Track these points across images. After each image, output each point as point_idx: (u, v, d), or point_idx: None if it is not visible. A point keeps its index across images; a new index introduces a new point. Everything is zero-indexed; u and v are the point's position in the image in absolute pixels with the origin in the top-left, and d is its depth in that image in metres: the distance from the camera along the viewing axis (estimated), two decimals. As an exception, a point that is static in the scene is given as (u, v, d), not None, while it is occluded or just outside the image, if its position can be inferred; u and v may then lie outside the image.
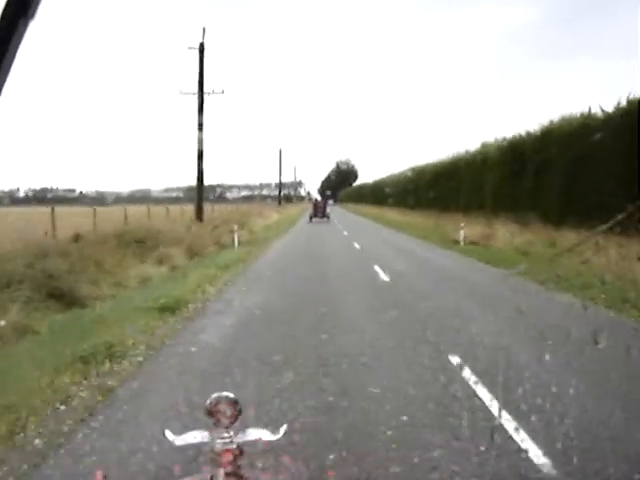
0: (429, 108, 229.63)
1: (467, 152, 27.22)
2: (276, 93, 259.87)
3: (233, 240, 18.28)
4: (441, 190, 29.37)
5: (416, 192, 35.48)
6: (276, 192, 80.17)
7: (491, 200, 21.44)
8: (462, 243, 17.75)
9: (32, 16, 0.83)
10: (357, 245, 18.88)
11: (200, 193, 22.38)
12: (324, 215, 37.52)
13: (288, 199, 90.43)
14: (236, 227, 19.26)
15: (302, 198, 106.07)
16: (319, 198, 46.59)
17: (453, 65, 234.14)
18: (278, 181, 74.04)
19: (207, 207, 24.85)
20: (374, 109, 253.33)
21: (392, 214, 38.21)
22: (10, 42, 0.79)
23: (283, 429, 1.23)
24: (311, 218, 37.54)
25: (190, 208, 23.95)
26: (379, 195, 52.68)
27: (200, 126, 21.48)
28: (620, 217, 1.56)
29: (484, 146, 24.67)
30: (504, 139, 22.02)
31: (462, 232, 18.06)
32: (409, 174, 41.77)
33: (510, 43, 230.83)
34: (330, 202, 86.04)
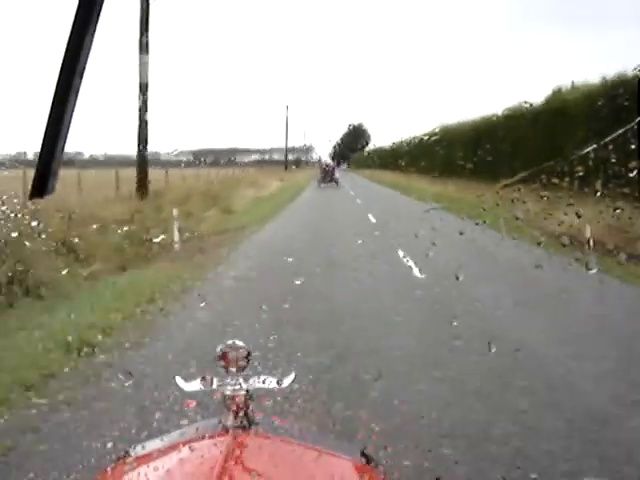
0: (443, 70, 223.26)
1: (526, 104, 21.74)
2: (289, 55, 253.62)
3: (169, 241, 10.26)
4: (487, 154, 25.77)
5: (448, 157, 29.43)
6: (292, 156, 78.33)
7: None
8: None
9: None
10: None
11: (142, 155, 14.34)
12: (332, 179, 37.11)
13: (298, 164, 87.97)
14: (176, 213, 10.87)
15: (312, 163, 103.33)
16: (330, 162, 43.26)
17: (470, 23, 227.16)
18: (295, 144, 72.09)
19: (176, 174, 20.47)
20: (387, 71, 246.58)
21: (418, 184, 31.31)
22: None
23: (291, 377, 1.31)
24: (319, 183, 37.30)
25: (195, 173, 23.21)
26: (398, 160, 46.00)
27: (145, 46, 13.92)
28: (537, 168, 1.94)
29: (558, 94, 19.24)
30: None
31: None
32: (437, 135, 37.58)
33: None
34: (342, 167, 78.97)
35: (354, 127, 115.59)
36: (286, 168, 60.17)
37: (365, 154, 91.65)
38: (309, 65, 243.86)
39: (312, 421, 1.81)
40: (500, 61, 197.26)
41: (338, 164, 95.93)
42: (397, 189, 30.31)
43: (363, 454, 1.30)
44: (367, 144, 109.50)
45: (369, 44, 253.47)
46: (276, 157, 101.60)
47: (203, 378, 1.29)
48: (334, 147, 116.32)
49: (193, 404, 1.42)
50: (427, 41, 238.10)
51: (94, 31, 0.88)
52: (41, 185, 0.97)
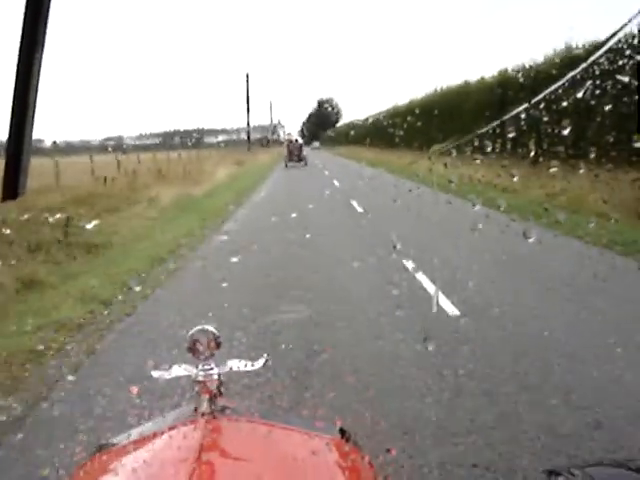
0: (415, 42, 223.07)
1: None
2: (254, 29, 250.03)
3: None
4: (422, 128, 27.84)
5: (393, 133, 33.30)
6: (255, 135, 76.65)
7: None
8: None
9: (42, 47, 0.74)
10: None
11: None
12: (300, 159, 35.84)
13: (266, 143, 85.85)
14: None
15: (281, 142, 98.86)
16: (299, 140, 40.49)
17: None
18: (254, 123, 69.16)
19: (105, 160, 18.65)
20: (356, 45, 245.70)
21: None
22: (31, 75, 0.91)
23: (262, 360, 1.36)
24: (286, 164, 35.88)
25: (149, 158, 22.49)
26: (376, 134, 44.21)
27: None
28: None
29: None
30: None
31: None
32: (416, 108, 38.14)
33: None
34: (316, 144, 78.48)
35: (324, 102, 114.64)
36: (249, 149, 54.25)
37: (335, 133, 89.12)
38: (276, 40, 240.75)
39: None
40: (471, 33, 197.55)
41: (310, 142, 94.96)
42: (364, 162, 32.02)
43: (341, 431, 1.32)
44: (338, 120, 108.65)
45: (338, 17, 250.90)
46: (244, 137, 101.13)
47: (175, 367, 1.33)
48: (304, 124, 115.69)
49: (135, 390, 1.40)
50: (397, 10, 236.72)
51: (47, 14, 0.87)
52: (14, 186, 0.89)
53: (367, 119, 54.88)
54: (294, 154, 36.20)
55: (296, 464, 1.12)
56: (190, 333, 1.31)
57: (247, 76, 60.34)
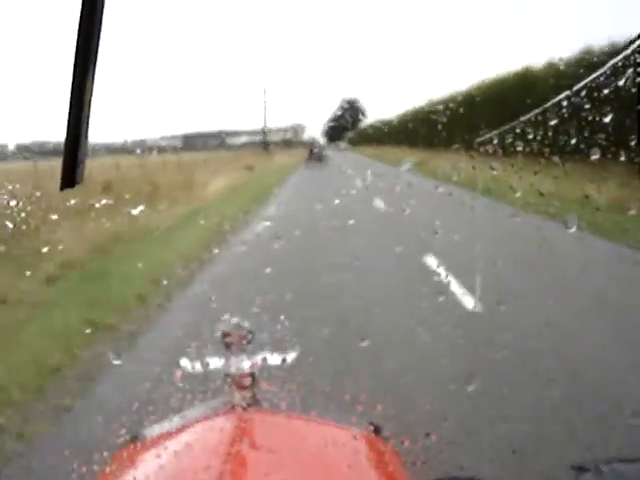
0: (437, 39, 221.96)
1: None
2: (276, 30, 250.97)
3: None
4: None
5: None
6: (278, 136, 76.67)
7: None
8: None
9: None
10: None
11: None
12: (320, 159, 39.67)
13: (289, 144, 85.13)
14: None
15: (305, 144, 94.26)
16: (320, 141, 46.16)
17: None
18: (277, 124, 69.29)
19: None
20: (381, 42, 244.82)
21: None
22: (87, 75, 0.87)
23: (294, 354, 1.41)
24: (307, 163, 39.08)
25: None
26: (408, 133, 39.09)
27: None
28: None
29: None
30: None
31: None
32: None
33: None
34: (342, 145, 74.79)
35: (348, 102, 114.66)
36: (266, 149, 52.49)
37: (363, 130, 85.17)
38: (299, 38, 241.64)
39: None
40: (496, 32, 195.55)
41: (334, 142, 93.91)
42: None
43: (372, 426, 1.34)
44: (362, 120, 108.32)
45: (359, 18, 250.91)
46: (268, 138, 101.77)
47: (207, 359, 1.38)
48: (328, 124, 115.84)
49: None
50: (419, 9, 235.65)
51: (102, 11, 0.90)
52: (70, 175, 1.03)
53: (395, 118, 52.32)
54: (314, 154, 40.45)
55: (327, 458, 1.15)
56: (222, 326, 1.35)
57: (264, 92, 65.38)
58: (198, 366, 1.40)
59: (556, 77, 17.89)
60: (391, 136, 48.26)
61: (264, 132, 59.28)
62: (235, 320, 1.37)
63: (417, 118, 37.76)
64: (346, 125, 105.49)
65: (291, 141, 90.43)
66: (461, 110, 26.28)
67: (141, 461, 1.21)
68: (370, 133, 70.52)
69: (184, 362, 1.42)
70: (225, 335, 1.35)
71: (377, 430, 1.34)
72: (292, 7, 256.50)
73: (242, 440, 1.12)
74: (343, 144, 78.31)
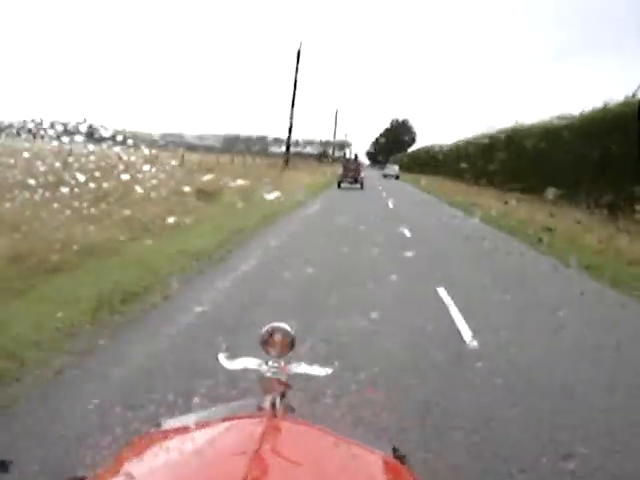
0: (484, 77, 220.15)
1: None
2: (334, 40, 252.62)
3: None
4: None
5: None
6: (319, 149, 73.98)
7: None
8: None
9: None
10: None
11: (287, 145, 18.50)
12: (356, 180, 33.39)
13: (323, 157, 77.45)
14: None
15: (337, 159, 76.71)
16: (358, 158, 37.65)
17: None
18: (320, 137, 65.01)
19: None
20: (434, 69, 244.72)
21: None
22: None
23: (332, 368, 1.47)
24: (339, 184, 33.30)
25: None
26: (474, 163, 32.62)
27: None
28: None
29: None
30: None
31: None
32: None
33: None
34: (392, 169, 58.53)
35: (398, 122, 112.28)
36: (287, 162, 41.69)
37: (412, 155, 79.11)
38: (350, 54, 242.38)
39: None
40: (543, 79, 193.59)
41: (379, 163, 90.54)
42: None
43: (394, 450, 1.37)
44: (413, 143, 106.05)
45: (418, 42, 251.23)
46: (309, 149, 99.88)
47: (245, 358, 1.44)
48: (373, 144, 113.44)
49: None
50: (474, 48, 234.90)
51: None
52: None
53: (458, 143, 44.62)
54: (349, 173, 33.92)
55: (345, 477, 1.18)
56: (266, 328, 1.40)
57: (336, 113, 62.13)
58: (235, 364, 1.45)
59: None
60: (448, 165, 43.01)
61: (288, 141, 45.18)
62: (281, 324, 1.41)
63: (488, 146, 31.12)
64: (393, 146, 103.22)
65: (327, 155, 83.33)
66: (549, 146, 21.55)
67: (163, 448, 1.21)
68: (422, 157, 64.28)
69: (222, 357, 1.47)
70: (267, 338, 1.40)
71: (399, 456, 1.37)
72: (352, 23, 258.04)
73: (267, 446, 1.14)
74: (393, 168, 60.04)
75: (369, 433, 1.53)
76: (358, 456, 1.26)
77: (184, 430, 1.25)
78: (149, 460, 1.18)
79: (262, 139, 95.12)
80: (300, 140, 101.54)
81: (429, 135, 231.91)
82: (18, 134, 11.86)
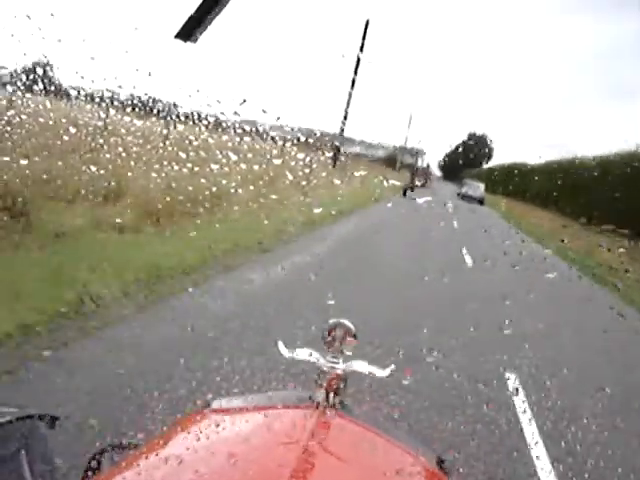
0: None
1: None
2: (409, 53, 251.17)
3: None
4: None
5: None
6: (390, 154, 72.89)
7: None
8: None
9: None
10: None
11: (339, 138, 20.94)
12: (424, 187, 34.00)
13: (391, 164, 74.75)
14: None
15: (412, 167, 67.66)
16: (430, 167, 38.79)
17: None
18: (398, 144, 63.05)
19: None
20: (518, 81, 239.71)
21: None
22: None
23: (391, 368, 1.48)
24: (405, 192, 30.27)
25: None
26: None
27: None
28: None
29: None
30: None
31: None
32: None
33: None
34: (477, 190, 39.88)
35: (475, 136, 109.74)
36: (335, 164, 31.78)
37: (491, 172, 67.23)
38: (431, 67, 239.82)
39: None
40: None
41: (456, 178, 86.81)
42: None
43: (440, 460, 1.39)
44: (489, 159, 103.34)
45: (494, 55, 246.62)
46: (380, 153, 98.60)
47: (305, 349, 1.47)
48: (445, 155, 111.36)
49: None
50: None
51: None
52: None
53: (539, 165, 40.21)
54: (418, 183, 33.94)
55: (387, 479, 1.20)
56: (329, 323, 1.47)
57: (410, 117, 59.75)
58: (293, 353, 1.47)
59: None
60: (530, 189, 37.77)
61: (341, 138, 40.33)
62: (345, 321, 1.46)
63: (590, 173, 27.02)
64: (467, 161, 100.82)
65: (417, 168, 76.72)
66: None
67: (204, 431, 1.21)
68: (497, 178, 57.13)
69: (281, 346, 1.49)
70: (330, 332, 1.46)
71: (443, 466, 1.39)
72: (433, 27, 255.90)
73: (316, 439, 1.16)
74: (476, 187, 41.51)
75: (418, 438, 1.53)
76: (402, 461, 1.29)
77: (234, 412, 1.29)
78: (196, 440, 1.17)
79: (338, 137, 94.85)
80: (374, 142, 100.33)
81: (505, 154, 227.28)
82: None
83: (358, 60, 37.22)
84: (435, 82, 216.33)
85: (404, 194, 30.36)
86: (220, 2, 0.89)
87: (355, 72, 37.19)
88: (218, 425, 1.22)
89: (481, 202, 37.25)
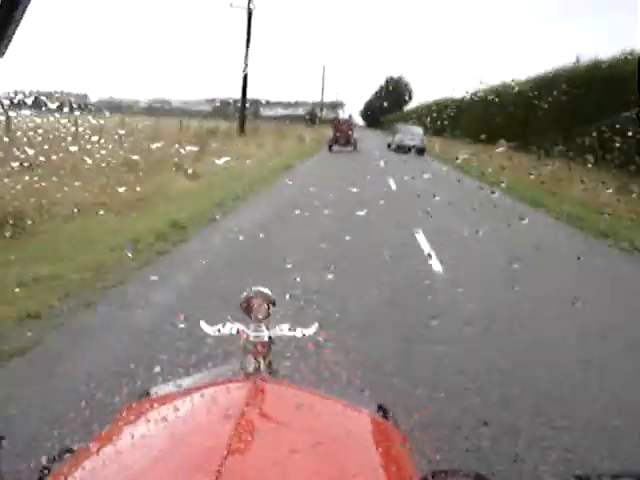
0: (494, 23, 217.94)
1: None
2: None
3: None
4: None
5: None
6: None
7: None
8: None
9: None
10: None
11: (242, 107, 21.25)
12: (348, 142, 33.39)
13: (312, 120, 73.19)
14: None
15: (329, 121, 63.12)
16: (351, 118, 36.93)
17: None
18: (317, 100, 62.65)
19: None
20: (427, 23, 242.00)
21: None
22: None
23: (315, 326, 1.52)
24: (330, 147, 33.13)
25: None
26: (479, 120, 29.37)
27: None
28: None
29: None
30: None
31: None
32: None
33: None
34: (416, 135, 34.60)
35: (393, 79, 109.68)
36: (242, 129, 34.18)
37: (409, 113, 72.04)
38: (344, 13, 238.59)
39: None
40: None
41: (379, 124, 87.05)
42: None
43: (380, 408, 1.45)
44: (409, 100, 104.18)
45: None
46: (301, 111, 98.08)
47: (226, 323, 1.50)
48: (367, 104, 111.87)
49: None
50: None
51: None
52: None
53: (465, 97, 37.86)
54: (342, 135, 33.71)
55: (333, 435, 1.23)
56: (245, 293, 1.47)
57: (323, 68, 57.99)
58: (216, 329, 1.50)
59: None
60: (459, 122, 36.95)
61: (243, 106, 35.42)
62: (260, 288, 1.47)
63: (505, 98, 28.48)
64: (390, 105, 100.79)
65: (316, 116, 78.04)
66: (555, 94, 23.41)
67: (147, 419, 1.25)
68: (423, 116, 56.86)
69: (203, 324, 1.51)
70: (247, 302, 1.46)
71: (385, 413, 1.45)
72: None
73: (251, 409, 1.20)
74: (414, 133, 35.88)
75: (354, 391, 1.58)
76: (344, 415, 1.34)
77: (170, 398, 1.32)
78: (138, 430, 1.21)
79: (255, 102, 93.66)
80: (292, 101, 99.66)
81: (425, 93, 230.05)
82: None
83: (250, 14, 32.60)
84: (346, 30, 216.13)
85: (330, 149, 33.15)
86: (14, 16, 0.87)
87: (248, 25, 32.96)
88: (156, 412, 1.25)
89: (421, 152, 33.28)
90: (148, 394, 1.45)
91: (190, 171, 14.41)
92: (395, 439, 1.36)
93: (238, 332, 1.47)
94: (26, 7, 0.88)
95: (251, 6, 31.12)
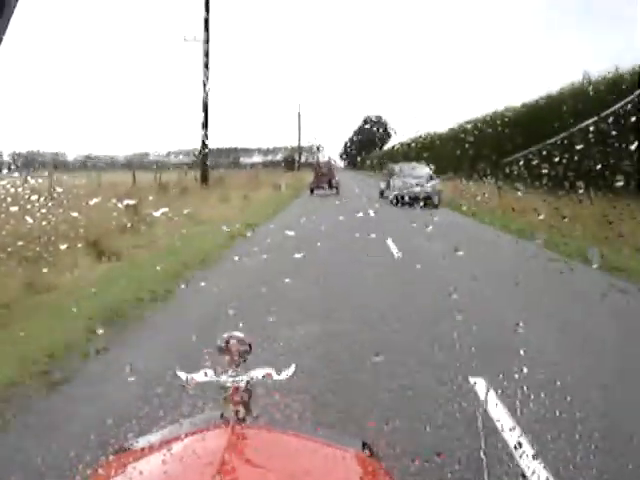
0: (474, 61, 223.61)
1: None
2: (292, 44, 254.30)
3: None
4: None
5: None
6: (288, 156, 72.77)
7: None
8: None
9: None
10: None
11: (203, 157, 23.64)
12: (330, 185, 32.22)
13: (291, 165, 73.05)
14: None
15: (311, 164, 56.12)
16: (327, 159, 36.54)
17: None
18: (296, 144, 62.68)
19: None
20: (410, 62, 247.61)
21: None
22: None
23: (291, 369, 1.50)
24: (312, 190, 32.76)
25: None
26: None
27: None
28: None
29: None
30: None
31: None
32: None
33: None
34: (423, 177, 24.50)
35: (371, 119, 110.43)
36: (205, 178, 29.69)
37: (387, 153, 71.76)
38: (320, 56, 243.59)
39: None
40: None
41: (355, 166, 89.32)
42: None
43: (365, 445, 1.46)
44: (387, 140, 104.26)
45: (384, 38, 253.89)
46: (279, 157, 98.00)
47: (203, 370, 1.47)
48: (346, 145, 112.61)
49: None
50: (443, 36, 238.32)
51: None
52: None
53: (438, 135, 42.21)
54: (324, 178, 32.71)
55: (318, 477, 1.26)
56: (221, 338, 1.46)
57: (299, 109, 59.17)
58: (194, 376, 1.48)
59: (584, 102, 18.77)
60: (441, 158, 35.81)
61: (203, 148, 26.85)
62: (236, 333, 1.47)
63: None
64: (368, 145, 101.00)
65: (294, 161, 75.80)
66: (489, 131, 28.01)
67: (128, 472, 1.25)
68: (394, 156, 52.57)
69: (180, 372, 1.50)
70: (224, 347, 1.46)
71: (370, 450, 1.47)
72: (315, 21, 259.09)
73: (232, 455, 1.20)
74: (420, 174, 25.72)
75: (337, 431, 1.56)
76: (328, 455, 1.35)
77: (150, 450, 1.31)
78: None
79: (234, 151, 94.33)
80: (271, 147, 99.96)
81: (405, 131, 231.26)
82: None
83: (206, 50, 27.26)
84: (321, 74, 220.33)
85: (312, 192, 33.00)
86: None
87: (206, 62, 27.28)
88: (135, 466, 1.24)
89: (428, 199, 23.54)
90: (126, 448, 1.45)
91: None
92: (380, 476, 1.39)
93: (215, 378, 1.46)
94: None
95: (207, 44, 28.48)
